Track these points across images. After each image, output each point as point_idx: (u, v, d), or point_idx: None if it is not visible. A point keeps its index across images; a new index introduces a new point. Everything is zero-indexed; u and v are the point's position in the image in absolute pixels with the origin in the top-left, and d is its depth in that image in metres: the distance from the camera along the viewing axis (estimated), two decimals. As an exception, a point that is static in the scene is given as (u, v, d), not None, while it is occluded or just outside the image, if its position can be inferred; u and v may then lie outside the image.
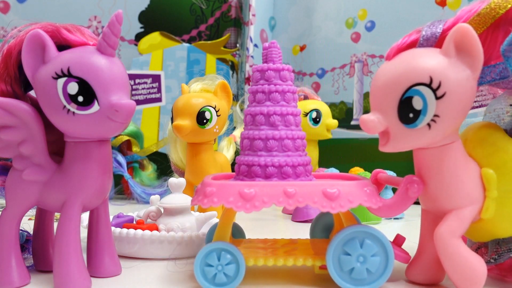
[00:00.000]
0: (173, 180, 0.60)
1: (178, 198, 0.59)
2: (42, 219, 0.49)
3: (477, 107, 0.47)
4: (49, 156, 0.43)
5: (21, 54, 0.40)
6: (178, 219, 0.58)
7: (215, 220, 0.61)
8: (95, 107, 0.39)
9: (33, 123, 0.41)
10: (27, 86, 0.44)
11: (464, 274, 0.40)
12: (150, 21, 1.26)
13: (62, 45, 0.42)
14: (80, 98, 0.39)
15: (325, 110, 0.96)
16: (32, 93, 0.44)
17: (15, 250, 0.43)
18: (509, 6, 0.38)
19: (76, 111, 0.39)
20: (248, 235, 0.54)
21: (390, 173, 0.58)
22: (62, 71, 0.39)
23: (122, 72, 0.41)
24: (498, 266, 0.45)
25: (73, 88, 0.39)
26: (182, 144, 0.87)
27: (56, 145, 0.44)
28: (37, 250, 0.49)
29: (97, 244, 0.46)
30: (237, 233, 0.53)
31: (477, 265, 0.40)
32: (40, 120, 0.41)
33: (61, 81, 0.39)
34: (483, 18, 0.39)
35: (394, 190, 0.86)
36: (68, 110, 0.39)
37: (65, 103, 0.39)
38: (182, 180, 0.60)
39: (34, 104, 0.43)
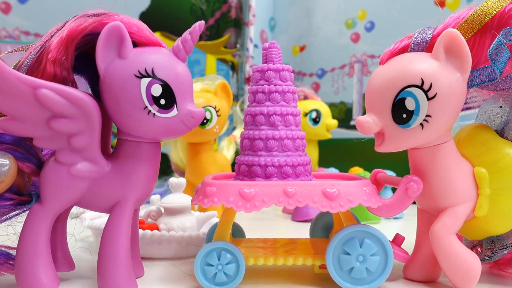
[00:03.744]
0: (174, 180, 0.60)
1: (179, 198, 0.59)
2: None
3: (469, 108, 0.48)
4: (101, 152, 0.41)
5: (81, 41, 0.39)
6: (179, 218, 0.58)
7: (215, 219, 0.61)
8: (174, 112, 0.40)
9: (95, 117, 0.39)
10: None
11: (459, 270, 0.41)
12: (150, 22, 1.25)
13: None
14: (162, 101, 0.39)
15: (325, 110, 0.96)
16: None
17: (47, 251, 0.40)
18: (495, 12, 0.40)
19: (157, 114, 0.39)
20: (248, 235, 0.54)
21: (390, 173, 0.58)
22: (146, 71, 0.38)
23: (192, 80, 0.42)
24: (496, 261, 0.46)
25: (157, 90, 0.38)
26: (182, 144, 0.87)
27: None
28: None
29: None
30: (237, 232, 0.53)
31: (472, 261, 0.41)
32: (100, 114, 0.40)
33: (145, 81, 0.38)
34: (471, 24, 0.41)
35: (393, 190, 0.86)
36: (149, 111, 0.39)
37: (147, 104, 0.38)
38: (182, 180, 0.61)
39: None
